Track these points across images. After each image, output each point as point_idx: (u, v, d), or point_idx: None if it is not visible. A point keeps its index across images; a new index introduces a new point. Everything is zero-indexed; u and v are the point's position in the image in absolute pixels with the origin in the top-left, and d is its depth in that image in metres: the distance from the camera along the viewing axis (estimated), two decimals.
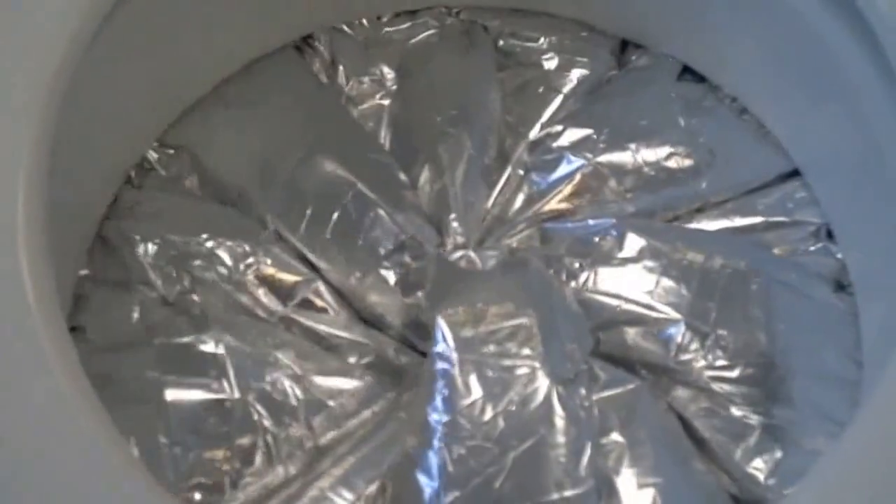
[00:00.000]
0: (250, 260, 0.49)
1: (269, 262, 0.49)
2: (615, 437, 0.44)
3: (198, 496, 0.43)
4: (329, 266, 0.50)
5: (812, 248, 0.52)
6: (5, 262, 0.35)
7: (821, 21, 0.48)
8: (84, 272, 0.50)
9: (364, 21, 0.60)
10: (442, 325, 0.45)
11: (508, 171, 0.54)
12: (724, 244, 0.51)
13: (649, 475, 0.43)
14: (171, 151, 0.54)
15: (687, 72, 0.59)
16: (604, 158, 0.53)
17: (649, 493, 0.43)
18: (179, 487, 0.43)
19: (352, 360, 0.48)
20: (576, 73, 0.58)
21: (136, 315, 0.48)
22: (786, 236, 0.53)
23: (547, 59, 0.58)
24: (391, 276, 0.50)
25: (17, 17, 0.40)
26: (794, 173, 0.55)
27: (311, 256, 0.50)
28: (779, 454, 0.45)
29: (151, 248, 0.49)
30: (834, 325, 0.49)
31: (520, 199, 0.54)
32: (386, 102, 0.57)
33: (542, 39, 0.59)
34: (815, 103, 0.52)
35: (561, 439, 0.42)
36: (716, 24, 0.55)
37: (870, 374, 0.47)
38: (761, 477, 0.44)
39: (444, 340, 0.45)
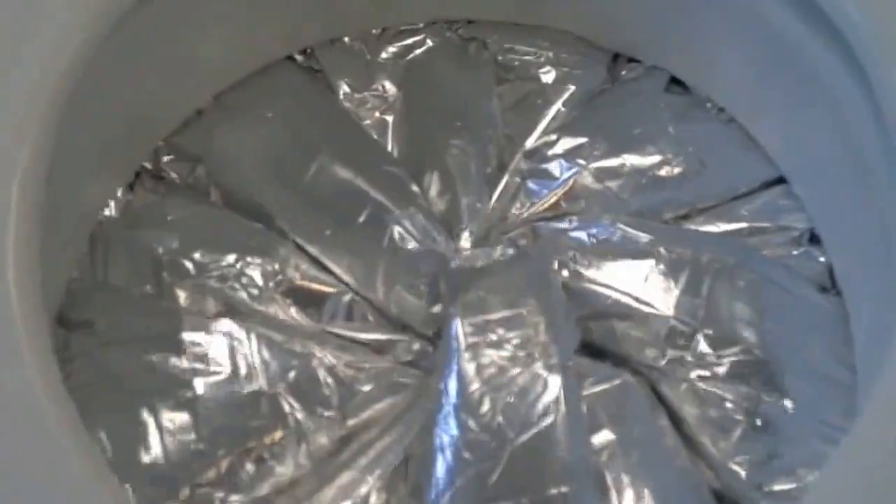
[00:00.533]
0: (280, 277, 0.50)
1: (298, 276, 0.50)
2: (605, 434, 0.45)
3: (226, 490, 0.43)
4: (353, 280, 0.51)
5: (796, 253, 0.53)
6: None
7: (801, 35, 0.50)
8: (99, 275, 0.50)
9: (364, 37, 0.61)
10: (450, 318, 0.46)
11: (506, 178, 0.55)
12: (714, 243, 0.53)
13: (641, 472, 0.44)
14: (185, 160, 0.55)
15: (674, 84, 0.60)
16: (597, 165, 0.55)
17: (641, 490, 0.43)
18: (208, 480, 0.43)
19: (388, 356, 0.49)
20: (572, 86, 0.59)
21: (159, 314, 0.48)
22: (770, 241, 0.54)
23: (544, 73, 0.59)
24: (414, 287, 0.50)
25: (23, 30, 0.41)
26: (780, 180, 0.56)
27: (336, 270, 0.51)
28: (764, 451, 0.45)
29: (179, 267, 0.50)
30: (822, 325, 0.50)
31: (516, 205, 0.55)
32: (389, 118, 0.58)
33: (539, 54, 0.60)
34: (799, 112, 0.53)
35: (561, 433, 0.43)
36: (705, 38, 0.56)
37: (863, 377, 0.47)
38: (743, 473, 0.45)
39: (450, 332, 0.45)
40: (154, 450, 0.43)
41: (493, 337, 0.45)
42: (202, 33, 0.54)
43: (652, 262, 0.49)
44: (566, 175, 0.55)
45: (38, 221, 0.38)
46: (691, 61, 0.59)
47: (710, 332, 0.48)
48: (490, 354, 0.45)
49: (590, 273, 0.49)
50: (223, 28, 0.54)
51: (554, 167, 0.55)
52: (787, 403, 0.46)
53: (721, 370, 0.47)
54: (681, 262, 0.49)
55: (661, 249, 0.50)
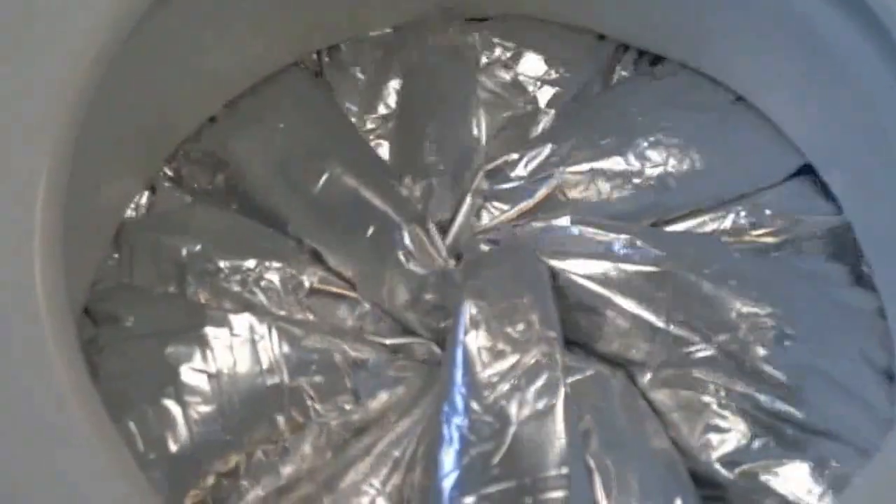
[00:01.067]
0: (297, 282, 0.51)
1: (316, 280, 0.52)
2: (586, 422, 0.46)
3: (250, 478, 0.45)
4: (364, 291, 0.52)
5: (819, 246, 0.54)
6: (19, 261, 0.37)
7: (829, 19, 0.49)
8: (125, 276, 0.52)
9: (366, 50, 0.62)
10: (458, 303, 0.47)
11: (468, 200, 0.55)
12: (679, 238, 0.54)
13: (623, 457, 0.45)
14: (205, 168, 0.57)
15: (685, 70, 0.60)
16: (560, 179, 0.55)
17: (625, 473, 0.44)
18: (232, 469, 0.45)
19: (404, 355, 0.51)
20: (563, 103, 0.60)
21: (183, 309, 0.49)
22: (789, 237, 0.54)
23: (541, 93, 0.60)
24: (419, 305, 0.52)
25: (44, 36, 0.42)
26: (792, 176, 0.56)
27: (348, 278, 0.53)
28: (737, 435, 0.46)
29: (201, 271, 0.51)
30: (825, 320, 0.50)
31: (480, 223, 0.55)
32: (385, 143, 0.60)
33: (538, 69, 0.61)
34: (825, 96, 0.52)
35: (561, 417, 0.44)
36: (723, 24, 0.56)
37: None
38: (714, 455, 0.46)
39: (458, 318, 0.46)
40: (181, 439, 0.45)
41: (496, 324, 0.46)
42: (212, 39, 0.54)
43: (616, 258, 0.50)
44: (528, 195, 0.55)
45: (62, 222, 0.39)
46: (709, 48, 0.58)
47: (676, 323, 0.48)
48: (494, 339, 0.46)
49: (553, 264, 0.50)
50: (232, 34, 0.55)
51: (516, 188, 0.55)
52: (761, 396, 0.47)
53: (688, 360, 0.48)
54: (645, 257, 0.50)
55: (622, 246, 0.50)
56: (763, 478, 0.45)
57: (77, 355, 0.38)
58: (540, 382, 0.44)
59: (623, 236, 0.50)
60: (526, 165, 0.55)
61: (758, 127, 0.57)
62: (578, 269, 0.50)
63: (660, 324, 0.48)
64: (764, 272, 0.51)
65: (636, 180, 0.55)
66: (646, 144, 0.55)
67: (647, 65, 0.62)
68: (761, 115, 0.57)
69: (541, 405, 0.43)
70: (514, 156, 0.56)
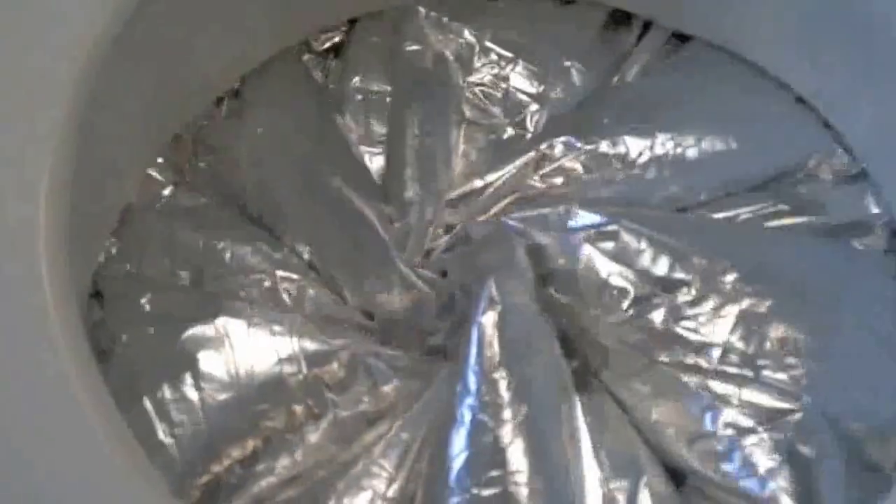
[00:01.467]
0: (308, 295, 0.52)
1: (328, 297, 0.52)
2: None
3: (266, 463, 0.46)
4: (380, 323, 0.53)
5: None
6: (25, 256, 0.38)
7: None
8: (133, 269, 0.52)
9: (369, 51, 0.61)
10: (482, 280, 0.47)
11: (430, 230, 0.55)
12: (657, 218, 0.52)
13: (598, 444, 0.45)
14: (215, 173, 0.57)
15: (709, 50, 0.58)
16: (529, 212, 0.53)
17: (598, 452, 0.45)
18: (248, 455, 0.46)
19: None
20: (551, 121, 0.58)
21: (200, 298, 0.50)
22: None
23: (531, 114, 0.58)
24: (435, 339, 0.51)
25: (41, 27, 0.42)
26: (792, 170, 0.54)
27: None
28: (698, 408, 0.46)
29: (213, 274, 0.52)
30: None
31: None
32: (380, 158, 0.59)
33: (532, 85, 0.58)
34: (876, 77, 0.50)
35: (565, 410, 0.45)
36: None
37: None
38: (667, 438, 0.46)
39: (479, 295, 0.46)
40: (197, 424, 0.45)
41: (508, 310, 0.46)
42: (211, 26, 0.54)
43: (556, 227, 0.49)
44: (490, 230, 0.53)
45: (67, 208, 0.40)
46: (740, 25, 0.55)
47: (626, 278, 0.48)
48: (507, 324, 0.45)
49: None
50: (231, 21, 0.55)
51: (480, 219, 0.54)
52: (710, 367, 0.46)
53: (637, 324, 0.47)
54: (584, 219, 0.49)
55: (560, 215, 0.49)
56: (720, 458, 0.45)
57: (83, 342, 0.39)
58: (548, 377, 0.45)
59: (561, 207, 0.50)
60: (490, 193, 0.54)
61: (792, 112, 0.55)
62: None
63: (613, 281, 0.48)
64: (729, 232, 0.51)
65: (590, 194, 0.53)
66: (611, 149, 0.54)
67: (666, 47, 0.60)
68: (798, 98, 0.55)
69: (554, 398, 0.44)
70: (479, 183, 0.55)
